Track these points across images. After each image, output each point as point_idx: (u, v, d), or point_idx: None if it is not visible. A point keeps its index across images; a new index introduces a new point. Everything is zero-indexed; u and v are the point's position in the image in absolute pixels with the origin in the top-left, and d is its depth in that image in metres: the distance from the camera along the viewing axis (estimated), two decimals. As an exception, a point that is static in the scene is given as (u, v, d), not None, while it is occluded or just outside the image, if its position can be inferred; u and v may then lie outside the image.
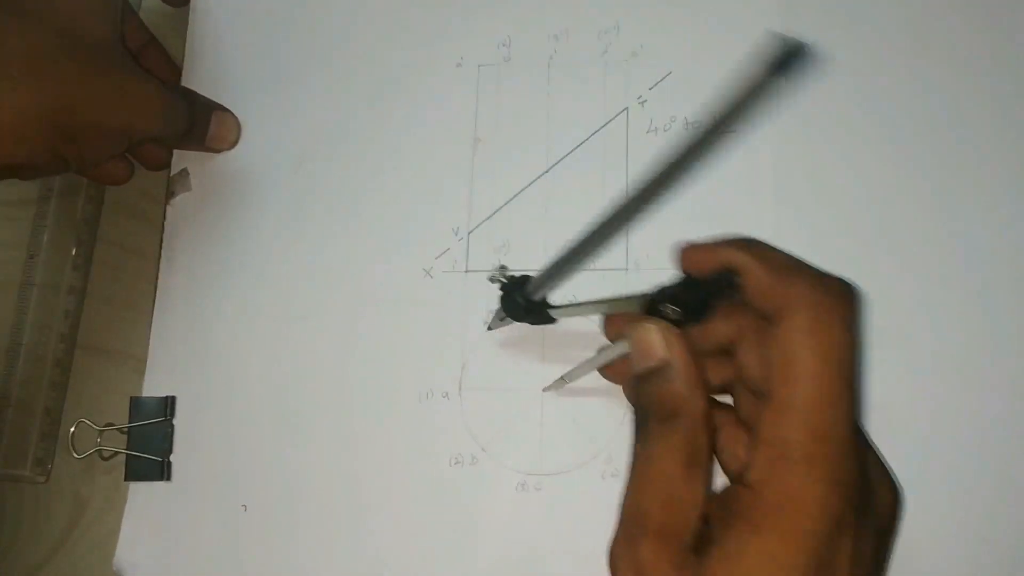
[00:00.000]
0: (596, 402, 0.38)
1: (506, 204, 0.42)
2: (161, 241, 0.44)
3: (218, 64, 0.47)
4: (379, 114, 0.44)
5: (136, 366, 0.43)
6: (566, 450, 0.38)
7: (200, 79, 0.46)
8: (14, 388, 0.43)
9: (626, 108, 0.42)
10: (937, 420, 0.36)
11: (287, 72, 0.46)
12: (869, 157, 0.39)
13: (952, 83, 0.40)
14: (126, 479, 0.41)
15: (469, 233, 0.42)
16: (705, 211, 0.39)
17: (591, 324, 0.39)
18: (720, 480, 0.31)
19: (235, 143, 0.45)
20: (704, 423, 0.28)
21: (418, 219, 0.42)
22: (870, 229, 0.39)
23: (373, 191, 0.43)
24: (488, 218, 0.42)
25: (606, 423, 0.38)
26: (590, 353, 0.38)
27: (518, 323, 0.37)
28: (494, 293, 0.40)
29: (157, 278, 0.44)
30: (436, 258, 0.42)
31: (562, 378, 0.37)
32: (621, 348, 0.32)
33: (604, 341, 0.38)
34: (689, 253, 0.29)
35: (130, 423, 0.41)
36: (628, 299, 0.33)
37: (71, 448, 0.42)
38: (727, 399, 0.33)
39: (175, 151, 0.45)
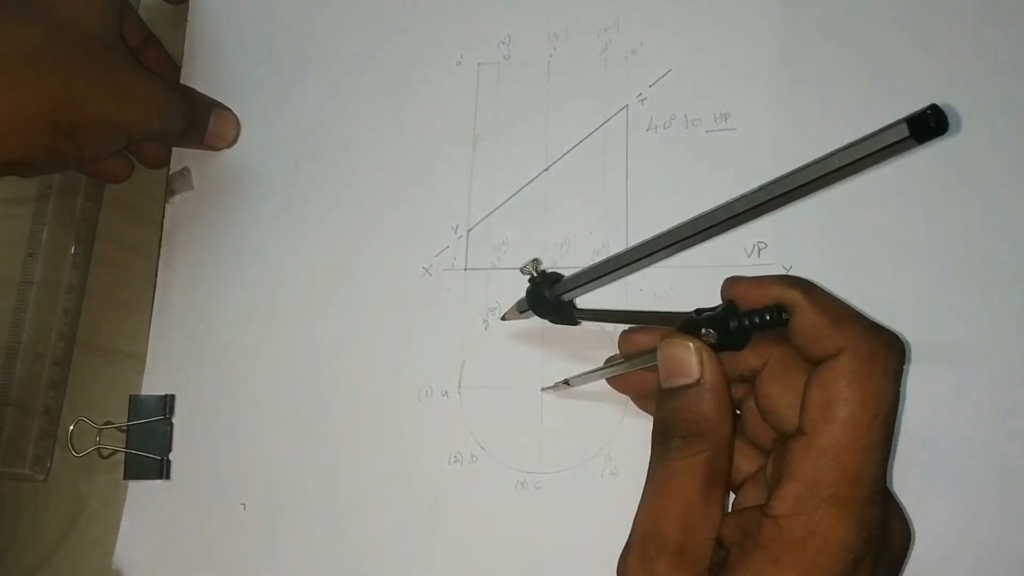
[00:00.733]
0: (596, 401, 0.38)
1: (506, 202, 0.42)
2: (160, 239, 0.44)
3: (217, 62, 0.46)
4: (379, 112, 0.44)
5: (135, 364, 0.43)
6: (566, 448, 0.38)
7: (199, 77, 0.46)
8: (13, 386, 0.43)
9: (626, 106, 0.42)
10: (935, 420, 0.36)
11: (286, 70, 0.46)
12: (869, 155, 0.39)
13: (954, 81, 0.40)
14: (125, 477, 0.41)
15: (469, 231, 0.42)
16: (703, 204, 0.39)
17: (595, 326, 0.39)
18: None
19: (234, 141, 0.45)
20: (728, 447, 0.28)
21: (417, 217, 0.42)
22: (870, 228, 0.38)
23: (372, 189, 0.43)
24: (487, 216, 0.42)
25: (606, 422, 0.38)
26: (590, 353, 0.38)
27: (528, 320, 0.37)
28: (494, 291, 0.41)
29: (156, 276, 0.44)
30: (435, 256, 0.41)
31: (566, 381, 0.37)
32: (643, 361, 0.32)
33: (605, 344, 0.38)
34: (739, 284, 0.30)
35: (129, 421, 0.41)
36: (661, 315, 0.33)
37: (70, 446, 0.42)
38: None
39: (174, 149, 0.45)
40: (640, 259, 0.30)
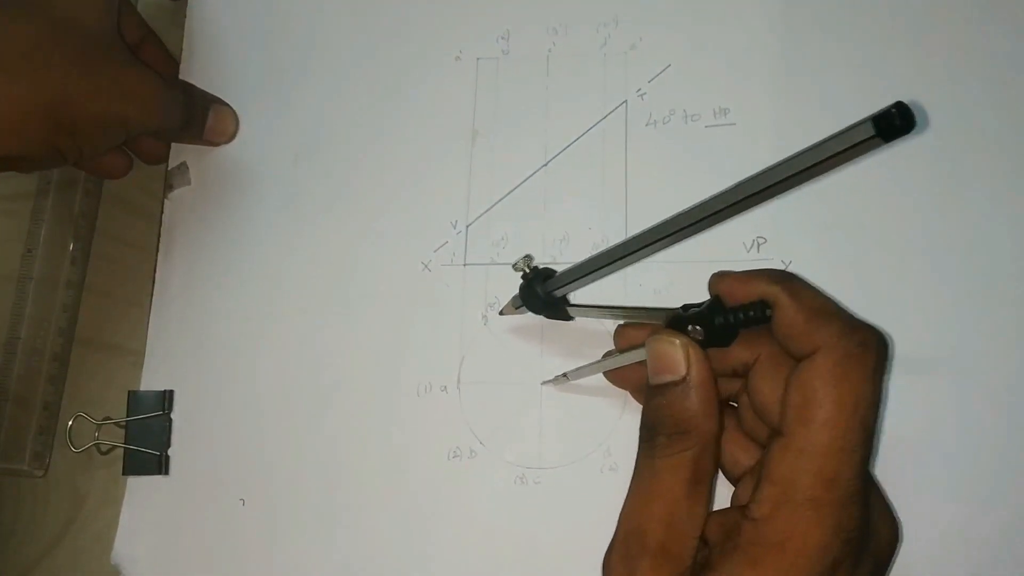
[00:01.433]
0: (595, 396, 0.38)
1: (505, 197, 0.42)
2: (159, 235, 0.44)
3: (216, 58, 0.46)
4: (377, 107, 0.44)
5: (134, 360, 0.43)
6: (565, 444, 0.38)
7: (198, 73, 0.46)
8: (12, 382, 0.43)
9: (625, 101, 0.42)
10: (933, 419, 0.36)
11: (285, 65, 0.46)
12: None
13: (952, 77, 0.40)
14: (124, 473, 0.41)
15: (468, 226, 0.42)
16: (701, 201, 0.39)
17: (593, 322, 0.39)
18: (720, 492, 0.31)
19: (233, 137, 0.45)
20: (714, 445, 0.28)
21: (416, 212, 0.42)
22: (869, 223, 0.38)
23: (371, 184, 0.43)
24: (487, 211, 0.42)
25: (605, 417, 0.38)
26: (589, 349, 0.38)
27: (525, 315, 0.37)
28: (493, 286, 0.41)
29: (155, 272, 0.44)
30: (434, 251, 0.41)
31: (564, 375, 0.37)
32: (636, 356, 0.32)
33: (604, 339, 0.38)
34: (724, 279, 0.30)
35: (128, 417, 0.41)
36: (651, 311, 0.33)
37: (69, 442, 0.42)
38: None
39: (173, 145, 0.45)
40: (626, 256, 0.30)
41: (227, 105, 0.45)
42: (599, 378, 0.36)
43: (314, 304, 0.42)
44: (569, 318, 0.37)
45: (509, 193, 0.42)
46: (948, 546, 0.35)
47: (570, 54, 0.43)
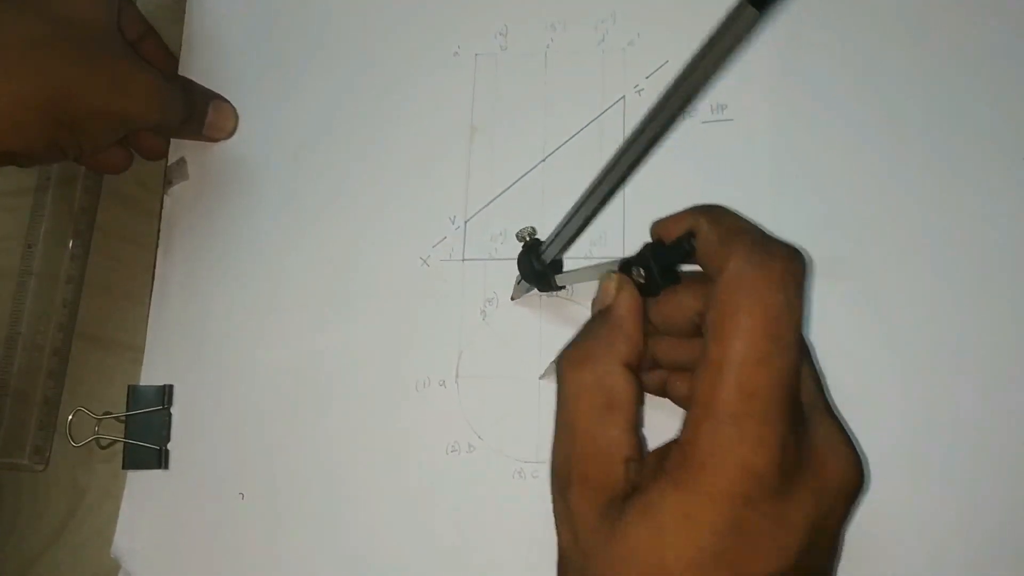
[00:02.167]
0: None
1: (503, 193, 0.42)
2: (158, 230, 0.44)
3: (215, 54, 0.47)
4: (376, 103, 0.44)
5: (134, 355, 0.43)
6: (563, 438, 0.38)
7: (197, 69, 0.46)
8: (12, 377, 0.43)
9: (623, 97, 0.42)
10: (930, 414, 0.36)
11: (284, 61, 0.46)
12: (867, 147, 0.39)
13: (952, 75, 0.40)
14: (124, 467, 0.41)
15: (466, 222, 0.42)
16: (701, 201, 0.39)
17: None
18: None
19: (232, 132, 0.45)
20: (624, 370, 0.28)
21: (415, 208, 0.42)
22: (867, 220, 0.39)
23: (370, 180, 0.43)
24: (485, 207, 0.42)
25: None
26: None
27: (525, 309, 0.38)
28: (491, 281, 0.41)
29: (155, 267, 0.44)
30: (433, 247, 0.42)
31: (553, 363, 0.37)
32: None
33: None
34: (660, 222, 0.30)
35: (128, 412, 0.41)
36: (615, 262, 0.33)
37: (69, 437, 0.42)
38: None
39: (172, 140, 0.45)
40: (594, 199, 0.31)
41: (226, 101, 0.45)
42: None
43: (313, 299, 0.42)
44: (558, 288, 0.38)
45: (507, 189, 0.42)
46: (946, 545, 0.35)
47: (568, 50, 0.43)
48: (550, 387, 0.39)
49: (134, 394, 0.42)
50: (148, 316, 0.43)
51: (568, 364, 0.29)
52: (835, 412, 0.28)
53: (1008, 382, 0.36)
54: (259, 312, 0.42)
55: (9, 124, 0.36)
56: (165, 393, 0.42)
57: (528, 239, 0.37)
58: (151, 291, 0.44)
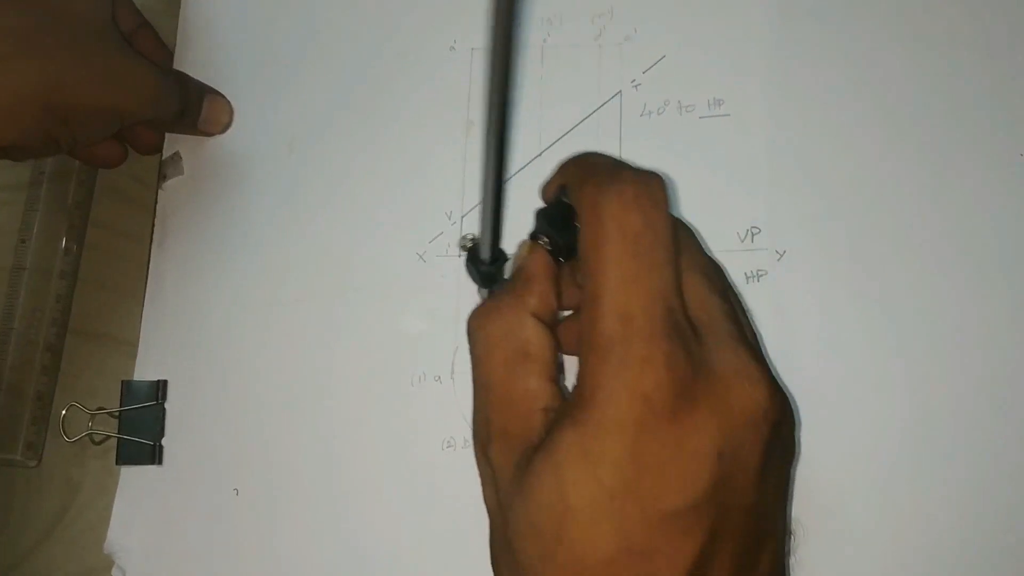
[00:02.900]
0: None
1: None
2: (153, 225, 0.44)
3: (210, 48, 0.46)
4: (372, 98, 0.44)
5: (128, 350, 0.43)
6: (559, 433, 0.38)
7: (192, 63, 0.46)
8: (5, 372, 0.43)
9: (620, 91, 0.42)
10: (928, 407, 0.36)
11: (279, 56, 0.45)
12: (864, 142, 0.39)
13: (949, 69, 0.40)
14: (117, 463, 0.41)
15: (463, 217, 0.42)
16: (699, 196, 0.39)
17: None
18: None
19: (227, 126, 0.45)
20: (532, 318, 0.28)
21: (411, 203, 0.42)
22: (864, 215, 0.39)
23: (366, 175, 0.43)
24: (480, 204, 0.41)
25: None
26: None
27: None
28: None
29: (149, 262, 0.44)
30: (429, 242, 0.41)
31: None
32: None
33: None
34: (543, 185, 0.31)
35: (121, 407, 0.41)
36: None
37: (62, 432, 0.42)
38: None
39: (167, 135, 0.45)
40: (491, 176, 0.30)
41: (221, 95, 0.45)
42: None
43: (308, 294, 0.42)
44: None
45: (504, 183, 0.41)
46: (945, 544, 0.35)
47: (565, 45, 0.43)
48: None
49: (128, 389, 0.41)
50: (142, 311, 0.43)
51: (477, 320, 0.28)
52: (753, 344, 0.27)
53: (1007, 376, 0.36)
54: (254, 307, 0.42)
55: (3, 116, 0.36)
56: (159, 388, 0.41)
57: (470, 245, 0.37)
58: (145, 285, 0.43)
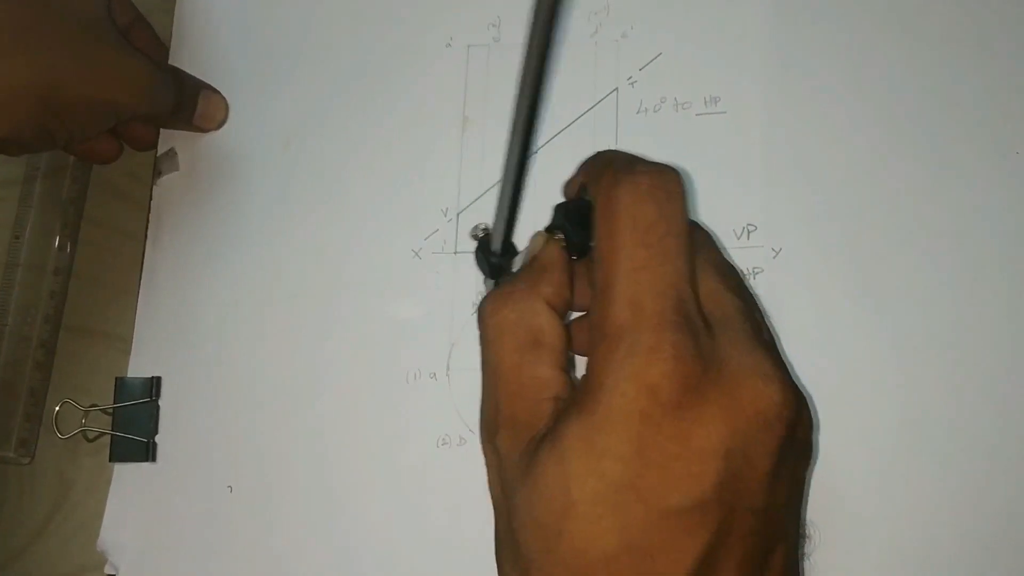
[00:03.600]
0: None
1: (496, 185, 0.41)
2: (147, 221, 0.44)
3: (205, 44, 0.46)
4: (368, 94, 0.44)
5: (122, 347, 0.42)
6: (554, 431, 0.38)
7: (187, 58, 0.46)
8: (-2, 369, 0.43)
9: (616, 89, 0.42)
10: (925, 405, 0.36)
11: (275, 52, 0.45)
12: (860, 139, 0.39)
13: (945, 67, 0.40)
14: (111, 460, 0.41)
15: (458, 214, 0.41)
16: (695, 194, 0.39)
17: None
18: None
19: (222, 123, 0.45)
20: (545, 307, 0.28)
21: (407, 200, 0.42)
22: (860, 212, 0.38)
23: (362, 172, 0.43)
24: (478, 199, 0.41)
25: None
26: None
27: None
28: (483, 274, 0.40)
29: (143, 258, 0.43)
30: (425, 239, 0.41)
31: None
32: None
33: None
34: (566, 181, 0.32)
35: (115, 404, 0.41)
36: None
37: (55, 429, 0.42)
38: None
39: (162, 131, 0.45)
40: (512, 171, 0.30)
41: (217, 91, 0.44)
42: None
43: (303, 291, 0.41)
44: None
45: (500, 181, 0.41)
46: (942, 544, 0.35)
47: (561, 41, 0.43)
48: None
49: (121, 386, 0.41)
50: (136, 307, 0.43)
51: (490, 306, 0.28)
52: (769, 343, 0.27)
53: (1003, 374, 0.36)
54: (249, 304, 0.42)
55: None
56: (153, 385, 0.41)
57: (482, 234, 0.37)
58: (139, 282, 0.43)
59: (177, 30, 0.47)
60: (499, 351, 0.27)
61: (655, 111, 0.41)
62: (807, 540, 0.35)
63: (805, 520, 0.34)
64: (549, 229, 0.31)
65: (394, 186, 0.42)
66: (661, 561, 0.23)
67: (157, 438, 0.41)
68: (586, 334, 0.30)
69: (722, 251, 0.29)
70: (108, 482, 0.41)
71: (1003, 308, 0.36)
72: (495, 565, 0.36)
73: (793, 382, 0.25)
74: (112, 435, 0.41)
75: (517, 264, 0.37)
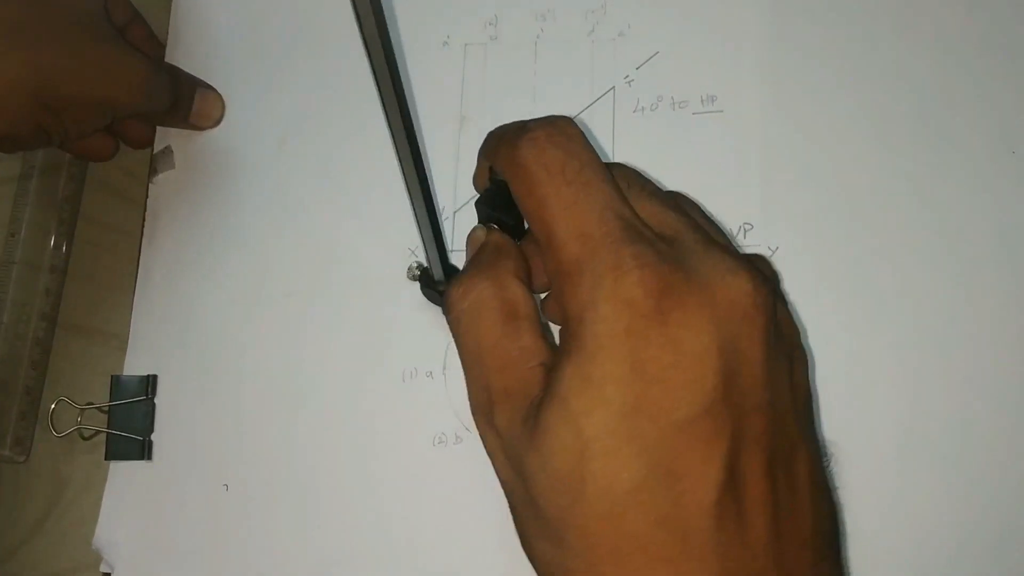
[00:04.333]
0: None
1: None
2: (144, 219, 0.44)
3: (202, 41, 0.46)
4: (364, 92, 0.44)
5: (117, 345, 0.42)
6: (550, 429, 0.38)
7: (184, 56, 0.46)
8: (-7, 367, 0.42)
9: (613, 87, 0.42)
10: (921, 405, 0.36)
11: (271, 49, 0.45)
12: (857, 139, 0.39)
13: (941, 67, 0.40)
14: (106, 458, 0.41)
15: (455, 213, 0.41)
16: (692, 192, 0.39)
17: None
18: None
19: (219, 121, 0.45)
20: (514, 278, 0.28)
21: (403, 197, 0.42)
22: (857, 211, 0.39)
23: (357, 170, 0.43)
24: (474, 198, 0.41)
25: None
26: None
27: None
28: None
29: (139, 256, 0.43)
30: (422, 237, 0.41)
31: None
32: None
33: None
34: (474, 177, 0.32)
35: (111, 402, 0.41)
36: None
37: (51, 427, 0.42)
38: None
39: (158, 129, 0.45)
40: (415, 193, 0.31)
41: (213, 89, 0.44)
42: None
43: (299, 289, 0.41)
44: None
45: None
46: (942, 544, 0.35)
47: (558, 40, 0.43)
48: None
49: (117, 384, 0.41)
50: (132, 305, 0.43)
51: (459, 291, 0.28)
52: (724, 243, 0.27)
53: (998, 374, 0.36)
54: (244, 302, 0.42)
55: None
56: (149, 383, 0.41)
57: (420, 272, 0.38)
58: (135, 280, 0.43)
59: (174, 28, 0.47)
60: (478, 330, 0.27)
61: (652, 110, 0.41)
62: (830, 458, 0.35)
63: (824, 441, 0.35)
64: (482, 223, 0.31)
65: (390, 184, 0.42)
66: (688, 480, 0.23)
67: (153, 436, 0.41)
68: (553, 309, 0.30)
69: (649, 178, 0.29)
70: (104, 480, 0.41)
71: (999, 305, 0.37)
72: (494, 561, 0.36)
73: (757, 270, 0.25)
74: (108, 433, 0.41)
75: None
